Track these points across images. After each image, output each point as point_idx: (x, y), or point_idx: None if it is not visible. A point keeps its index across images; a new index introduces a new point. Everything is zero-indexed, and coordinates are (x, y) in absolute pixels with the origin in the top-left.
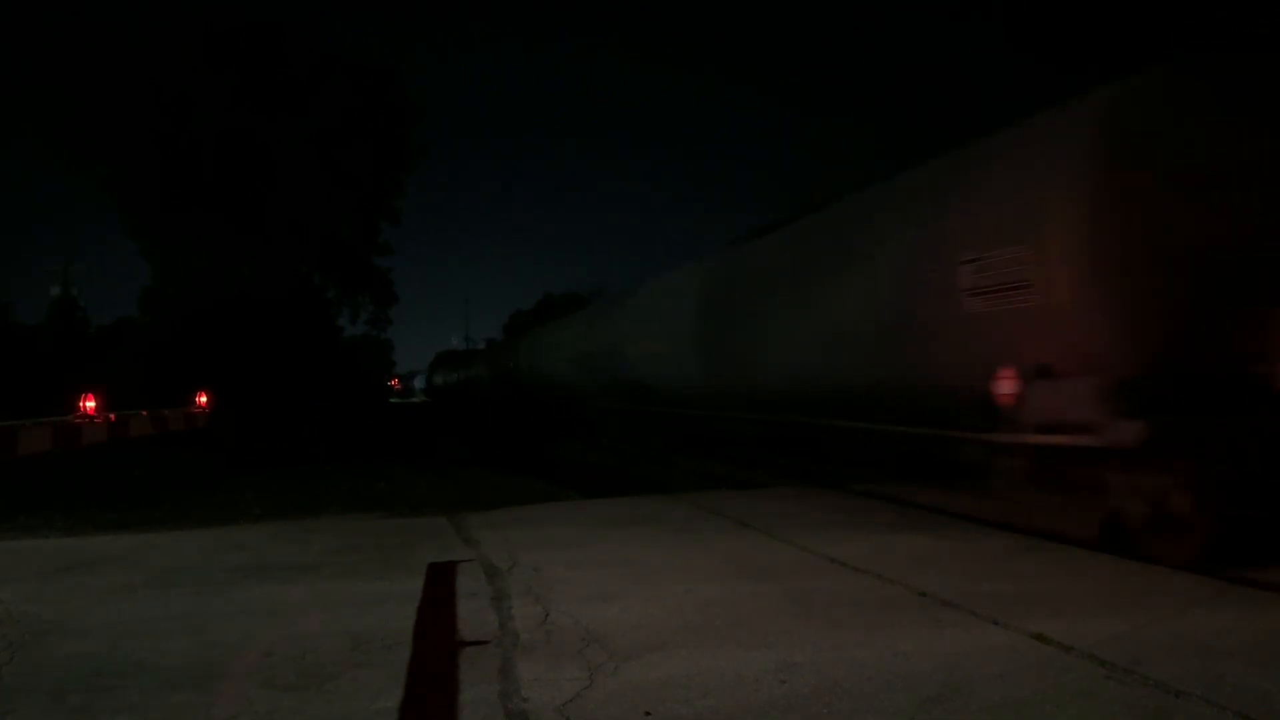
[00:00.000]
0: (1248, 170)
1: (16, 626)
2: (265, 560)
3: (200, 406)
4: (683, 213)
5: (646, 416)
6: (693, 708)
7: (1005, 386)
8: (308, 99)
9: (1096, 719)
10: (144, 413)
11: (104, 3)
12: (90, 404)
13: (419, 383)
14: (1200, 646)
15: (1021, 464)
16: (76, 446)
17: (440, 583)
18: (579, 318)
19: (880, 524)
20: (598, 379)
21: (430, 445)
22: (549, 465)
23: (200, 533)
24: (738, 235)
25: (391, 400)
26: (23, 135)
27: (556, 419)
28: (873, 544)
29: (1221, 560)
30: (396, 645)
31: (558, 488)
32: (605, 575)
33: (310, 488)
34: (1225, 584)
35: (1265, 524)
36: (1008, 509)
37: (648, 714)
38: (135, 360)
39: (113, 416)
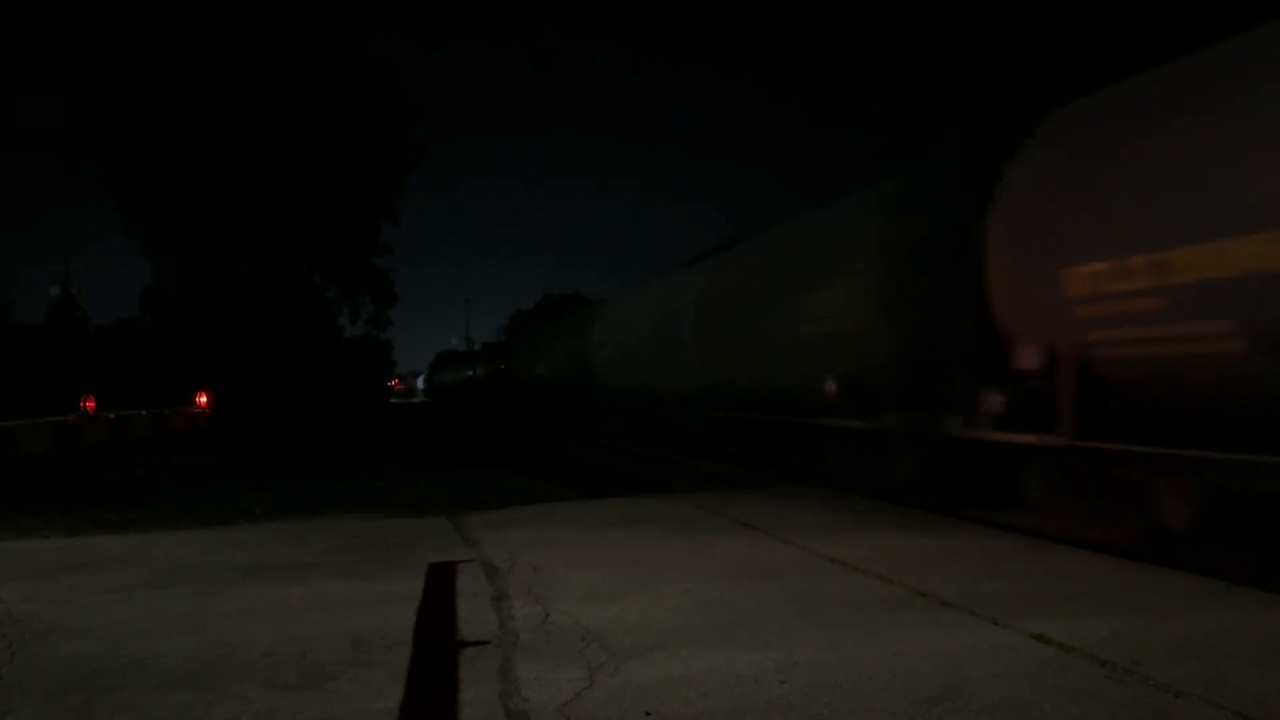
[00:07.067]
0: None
1: (16, 626)
2: (265, 560)
3: (200, 406)
4: (683, 213)
5: (636, 415)
6: (693, 708)
7: (830, 387)
8: (308, 99)
9: (1096, 719)
10: (144, 412)
11: (104, 2)
12: (90, 405)
13: (419, 383)
14: (1200, 647)
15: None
16: (77, 446)
17: (440, 583)
18: (576, 319)
19: (880, 524)
20: (593, 379)
21: (430, 445)
22: (549, 465)
23: (200, 533)
24: (701, 251)
25: (392, 400)
26: (22, 134)
27: (556, 419)
28: (873, 544)
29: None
30: (396, 645)
31: (558, 488)
32: (605, 575)
33: (310, 488)
34: (1226, 584)
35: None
36: (1007, 509)
37: (648, 714)
38: (135, 360)
39: (111, 415)
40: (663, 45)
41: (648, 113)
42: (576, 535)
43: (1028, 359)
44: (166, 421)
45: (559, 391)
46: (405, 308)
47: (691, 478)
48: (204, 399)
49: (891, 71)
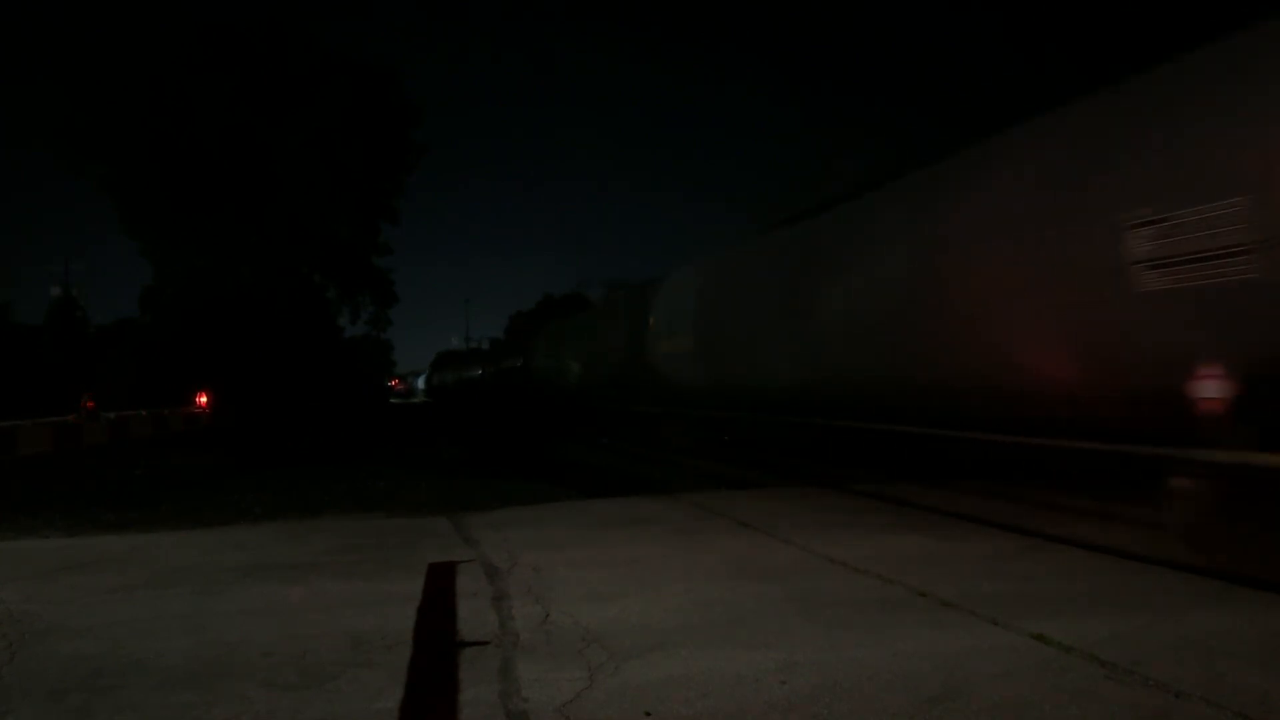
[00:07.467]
0: None
1: (16, 626)
2: (265, 560)
3: (200, 406)
4: (683, 213)
5: (650, 416)
6: (693, 708)
7: (1209, 389)
8: (308, 99)
9: (1096, 719)
10: (144, 412)
11: (104, 3)
12: (90, 405)
13: (419, 383)
14: (1200, 647)
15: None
16: (77, 446)
17: (440, 583)
18: (584, 318)
19: (880, 524)
20: (602, 379)
21: (430, 445)
22: (550, 466)
23: (200, 533)
24: (746, 231)
25: (392, 400)
26: (22, 134)
27: (559, 419)
28: (873, 544)
29: None
30: (396, 645)
31: (559, 488)
32: (606, 575)
33: (310, 488)
34: (1226, 585)
35: None
36: (1010, 510)
37: (648, 714)
38: (135, 360)
39: (112, 416)
40: (663, 45)
41: (648, 113)
42: (576, 535)
43: None
44: (167, 421)
45: (574, 391)
46: (405, 308)
47: (691, 477)
48: (204, 399)
49: (891, 71)
